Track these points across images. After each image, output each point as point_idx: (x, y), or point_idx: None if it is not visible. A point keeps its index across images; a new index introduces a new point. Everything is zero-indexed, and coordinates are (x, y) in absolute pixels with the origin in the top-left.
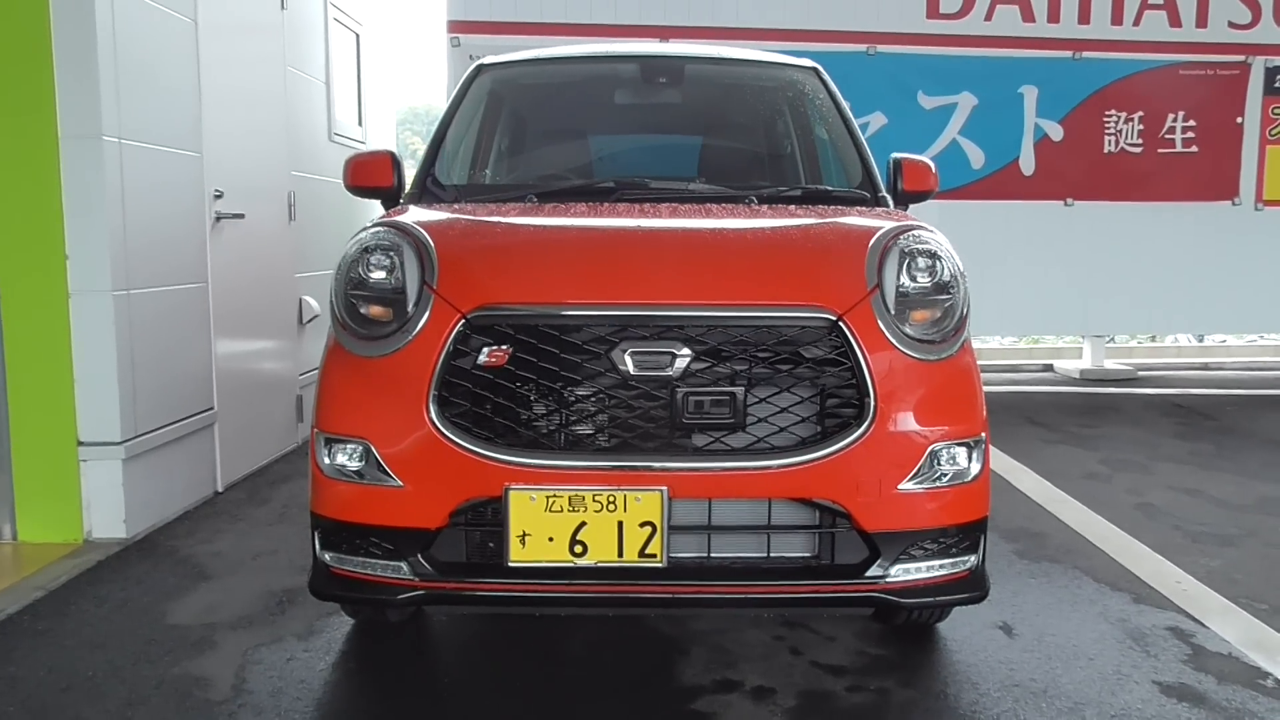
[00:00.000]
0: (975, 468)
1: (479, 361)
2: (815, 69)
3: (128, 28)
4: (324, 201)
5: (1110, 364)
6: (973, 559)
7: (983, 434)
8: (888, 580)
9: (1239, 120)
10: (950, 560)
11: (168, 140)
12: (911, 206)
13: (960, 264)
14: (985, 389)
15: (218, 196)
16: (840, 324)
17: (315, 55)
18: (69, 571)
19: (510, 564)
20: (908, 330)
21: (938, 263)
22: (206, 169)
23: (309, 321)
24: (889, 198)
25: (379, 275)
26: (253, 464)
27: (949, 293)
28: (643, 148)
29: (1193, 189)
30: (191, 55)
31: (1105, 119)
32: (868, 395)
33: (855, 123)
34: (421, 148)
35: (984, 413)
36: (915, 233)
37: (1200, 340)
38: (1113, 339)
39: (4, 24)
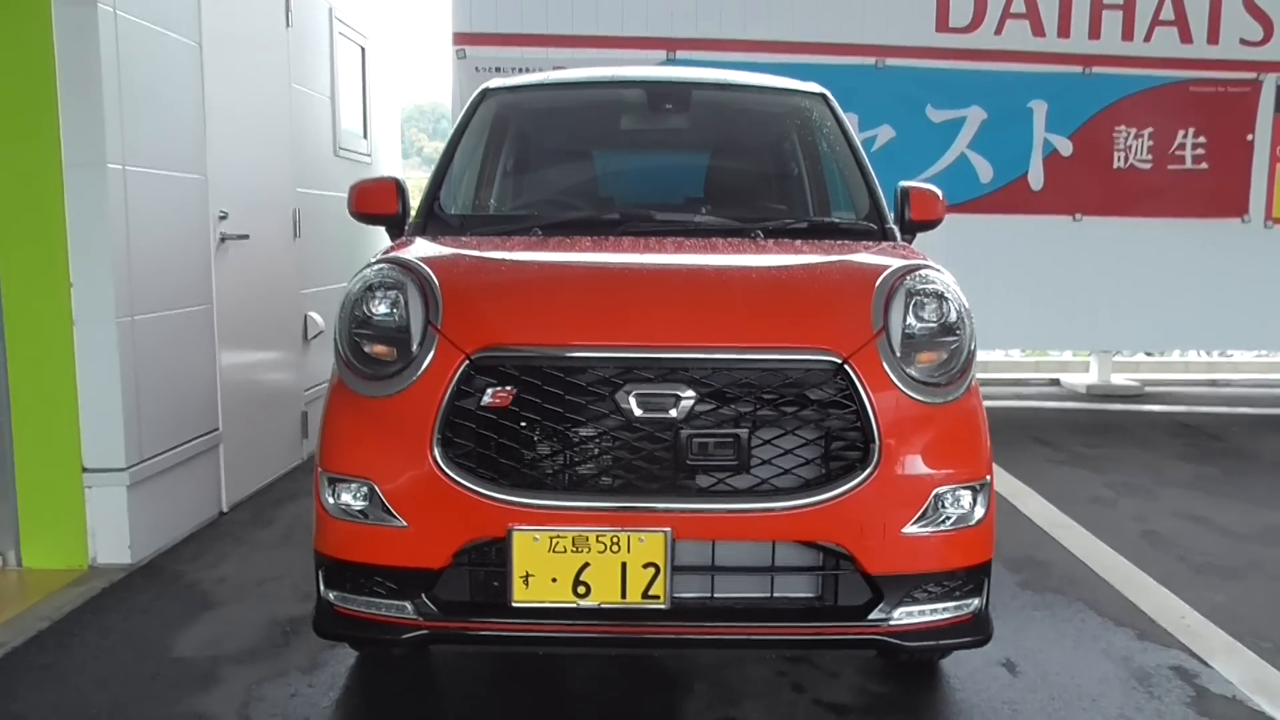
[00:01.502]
0: (979, 511)
1: (483, 402)
2: (823, 95)
3: (131, 53)
4: (329, 217)
5: (1117, 379)
6: (976, 602)
7: (988, 477)
8: (891, 623)
9: (1249, 138)
10: (954, 603)
11: (172, 164)
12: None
13: (967, 303)
14: (991, 404)
15: (222, 218)
16: (846, 367)
17: (320, 71)
18: (73, 600)
19: (514, 604)
20: (913, 373)
21: (944, 304)
22: (211, 191)
23: (314, 337)
24: (895, 229)
25: (383, 313)
26: (258, 482)
27: (955, 334)
28: (649, 176)
29: (1202, 206)
30: (195, 77)
31: (1115, 134)
32: (873, 439)
33: (862, 150)
34: (427, 145)
35: (989, 455)
36: (922, 272)
37: (1209, 354)
38: (1120, 353)
39: (8, 51)
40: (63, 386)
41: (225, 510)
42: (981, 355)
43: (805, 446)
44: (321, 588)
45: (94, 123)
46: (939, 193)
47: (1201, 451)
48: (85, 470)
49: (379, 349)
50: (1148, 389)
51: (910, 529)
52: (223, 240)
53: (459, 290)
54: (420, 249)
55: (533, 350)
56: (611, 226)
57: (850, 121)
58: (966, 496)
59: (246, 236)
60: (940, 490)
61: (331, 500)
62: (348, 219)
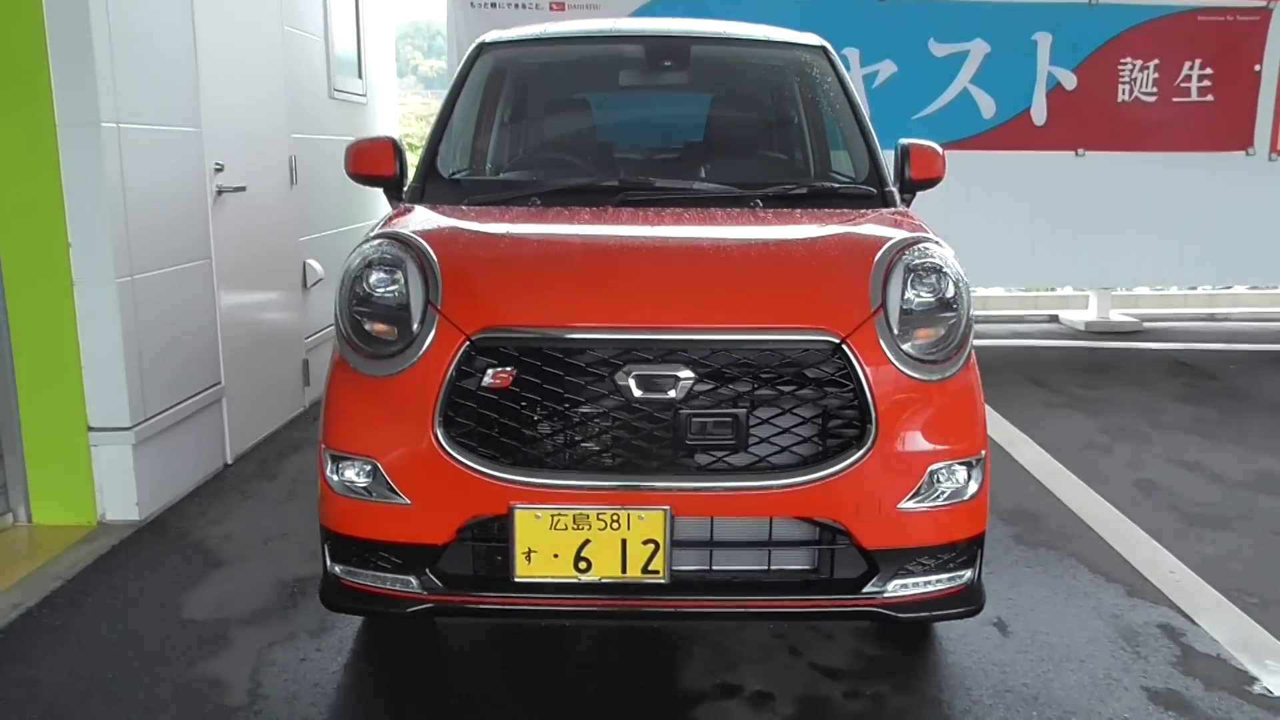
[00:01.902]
0: (974, 486)
1: (484, 383)
2: (824, 48)
3: (122, 8)
4: (326, 160)
5: (1116, 315)
6: (969, 573)
7: (982, 452)
8: (885, 595)
9: (1256, 69)
10: (947, 575)
11: (166, 118)
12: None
13: (965, 277)
14: (990, 343)
15: (218, 170)
16: (843, 347)
17: (313, 11)
18: (84, 559)
19: (516, 579)
20: (910, 350)
21: (942, 279)
22: (206, 143)
23: (314, 285)
24: (895, 192)
25: (382, 291)
26: (261, 432)
27: (953, 309)
28: (648, 134)
29: (1206, 139)
30: (187, 28)
31: (1120, 67)
32: (869, 417)
33: (863, 108)
34: (423, 63)
35: (984, 431)
36: (921, 246)
37: (1211, 287)
38: (1119, 288)
39: None
40: (65, 347)
41: (230, 462)
42: (981, 292)
43: (802, 425)
44: (327, 561)
45: (86, 80)
46: (939, 150)
47: (1199, 392)
48: (91, 429)
49: (379, 327)
50: (1146, 325)
51: (905, 504)
52: (219, 193)
53: (458, 269)
54: (419, 221)
55: (532, 332)
56: (611, 194)
57: (851, 57)
58: (961, 472)
59: (244, 188)
60: (935, 466)
61: (336, 477)
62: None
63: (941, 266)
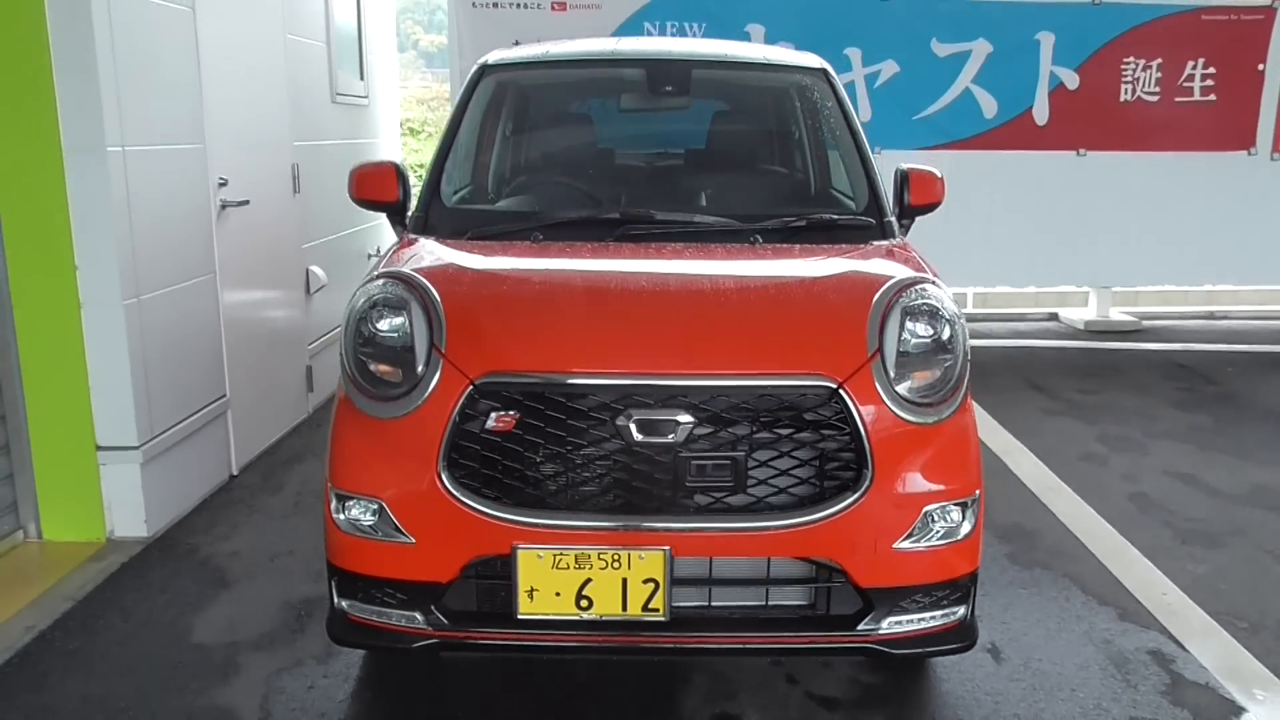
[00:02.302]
0: (967, 526)
1: (487, 426)
2: (824, 70)
3: (126, 30)
4: (328, 166)
5: (1116, 313)
6: (962, 610)
7: (976, 492)
8: (879, 632)
9: (1260, 68)
10: (941, 612)
11: (171, 137)
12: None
13: (962, 319)
14: (989, 343)
15: (222, 184)
16: (840, 391)
17: (315, 17)
18: (94, 578)
19: (519, 616)
20: (907, 394)
21: (940, 321)
22: (210, 158)
23: (316, 291)
24: (894, 222)
25: (386, 333)
26: (266, 441)
27: (949, 351)
28: (650, 157)
29: (1209, 139)
30: (190, 46)
31: (1123, 66)
32: (865, 460)
33: (863, 133)
34: (423, 38)
35: (979, 471)
36: (918, 288)
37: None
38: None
39: (3, 36)
40: (73, 368)
41: (235, 474)
42: (981, 290)
43: (800, 467)
44: (334, 596)
45: (91, 105)
46: (939, 174)
47: (1195, 397)
48: (99, 448)
49: (384, 368)
50: (1145, 324)
51: (901, 544)
52: (223, 207)
53: (462, 312)
54: (423, 257)
55: (535, 377)
56: (612, 227)
57: (853, 57)
58: (956, 512)
59: (247, 202)
60: (930, 507)
61: (342, 516)
62: (346, 168)
63: (939, 308)
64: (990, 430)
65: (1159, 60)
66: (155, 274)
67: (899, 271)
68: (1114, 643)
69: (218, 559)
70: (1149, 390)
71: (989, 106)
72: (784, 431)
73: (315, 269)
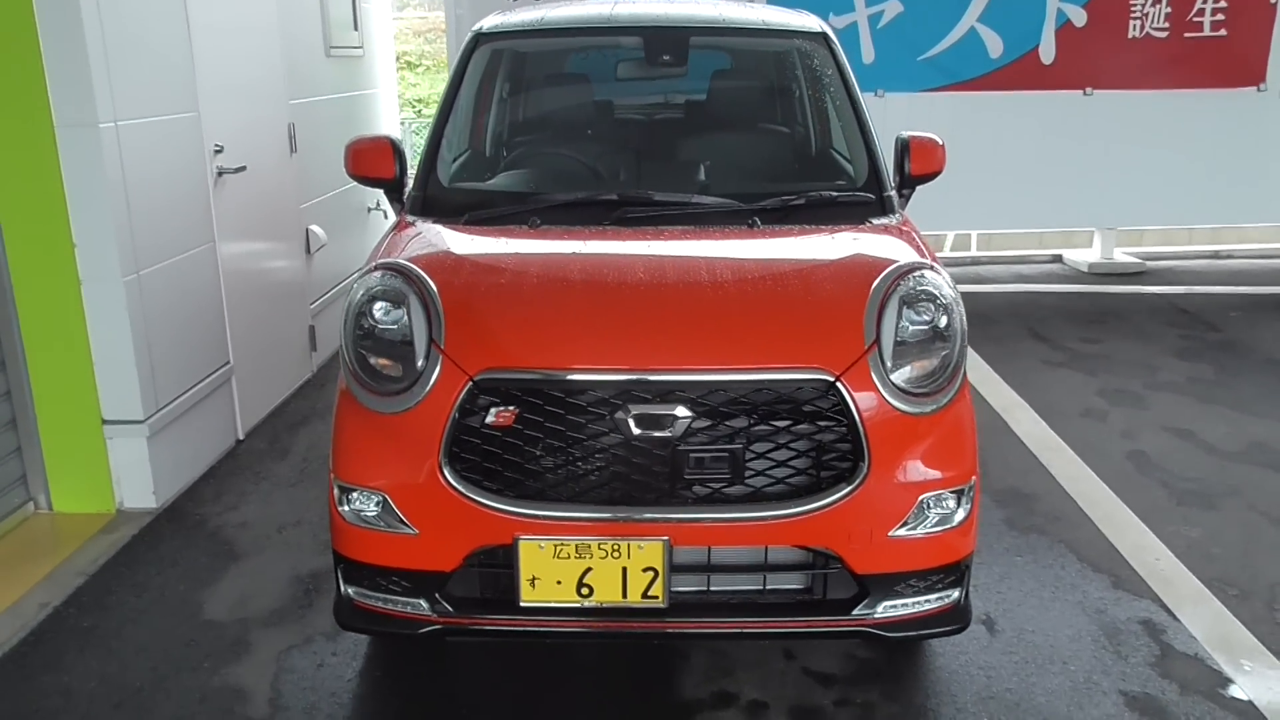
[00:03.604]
0: (962, 513)
1: (487, 420)
2: (824, 34)
3: (113, 3)
4: (325, 122)
5: (1120, 254)
6: (956, 593)
7: (973, 479)
8: (875, 616)
9: (1272, 1)
10: (935, 596)
11: (164, 108)
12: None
13: (960, 306)
14: (993, 288)
15: (218, 151)
16: (837, 384)
17: None
18: (106, 551)
19: (521, 604)
20: (903, 384)
21: (938, 309)
22: (205, 126)
23: (317, 250)
24: (894, 196)
25: (385, 326)
26: (271, 403)
27: (946, 340)
28: (648, 129)
29: (1218, 75)
30: (180, 13)
31: (1131, 2)
32: (862, 451)
33: (862, 101)
34: None
35: (974, 458)
36: (916, 275)
37: None
38: None
39: None
40: (76, 344)
41: (242, 438)
42: (987, 232)
43: (797, 458)
44: (341, 584)
45: (81, 82)
46: (940, 141)
47: (1197, 345)
48: (105, 423)
49: (383, 361)
50: (1150, 264)
51: (897, 532)
52: (220, 174)
53: (461, 306)
54: (420, 246)
55: (534, 373)
56: (610, 208)
57: None
58: (951, 500)
59: (244, 168)
60: (926, 496)
61: (346, 507)
62: (343, 122)
63: (936, 295)
64: (992, 385)
65: None
66: (154, 247)
67: (898, 256)
68: (1107, 612)
69: (226, 530)
70: (1151, 338)
71: (995, 46)
72: (781, 423)
73: (315, 228)
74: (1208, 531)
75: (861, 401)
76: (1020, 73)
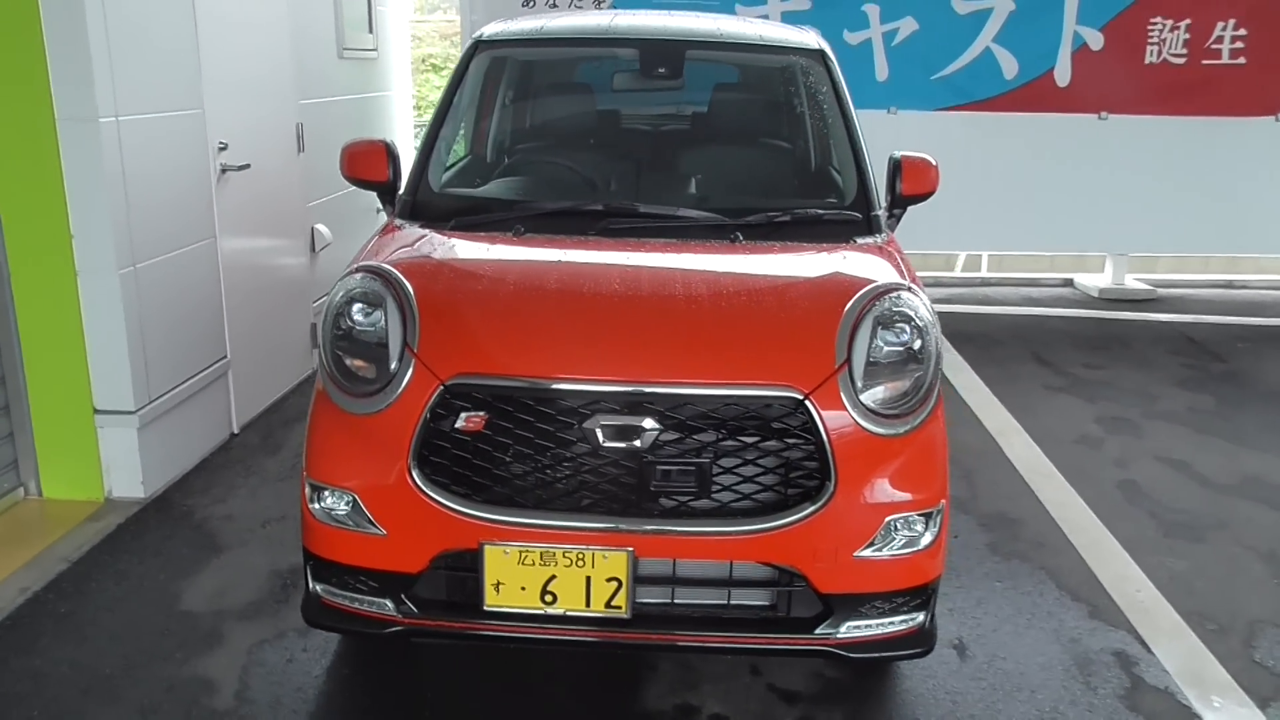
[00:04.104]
0: (929, 537)
1: (456, 425)
2: (821, 52)
3: (118, 1)
4: (335, 122)
5: (1132, 281)
6: (921, 616)
7: (942, 503)
8: (838, 636)
9: None
10: (900, 618)
11: (167, 105)
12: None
13: (936, 328)
14: (1001, 310)
15: (222, 149)
16: (806, 402)
17: None
18: (91, 539)
19: (486, 608)
20: (873, 405)
21: (912, 331)
22: (209, 123)
23: (322, 249)
24: (881, 216)
25: (362, 328)
26: (269, 398)
27: (919, 362)
28: (640, 141)
29: (1234, 103)
30: (188, 11)
31: (1150, 27)
32: (828, 470)
33: (855, 119)
34: None
35: (944, 481)
36: (892, 296)
37: None
38: None
39: None
40: (70, 334)
41: (236, 432)
42: (998, 253)
43: (764, 474)
44: (310, 581)
45: (82, 77)
46: (933, 162)
47: (1200, 375)
48: (97, 412)
49: (358, 363)
50: (1161, 292)
51: (862, 553)
52: (223, 171)
53: (436, 311)
54: (403, 250)
55: (504, 379)
56: (595, 218)
57: (871, 13)
58: (919, 523)
59: (247, 166)
60: (893, 518)
61: (317, 505)
62: (353, 122)
63: (912, 317)
64: (988, 408)
65: (1187, 20)
66: (152, 242)
67: (876, 276)
68: (1080, 642)
69: (211, 523)
70: (1155, 366)
71: (1010, 67)
72: (749, 439)
73: (320, 227)
74: (1193, 565)
75: (829, 420)
76: (1035, 94)
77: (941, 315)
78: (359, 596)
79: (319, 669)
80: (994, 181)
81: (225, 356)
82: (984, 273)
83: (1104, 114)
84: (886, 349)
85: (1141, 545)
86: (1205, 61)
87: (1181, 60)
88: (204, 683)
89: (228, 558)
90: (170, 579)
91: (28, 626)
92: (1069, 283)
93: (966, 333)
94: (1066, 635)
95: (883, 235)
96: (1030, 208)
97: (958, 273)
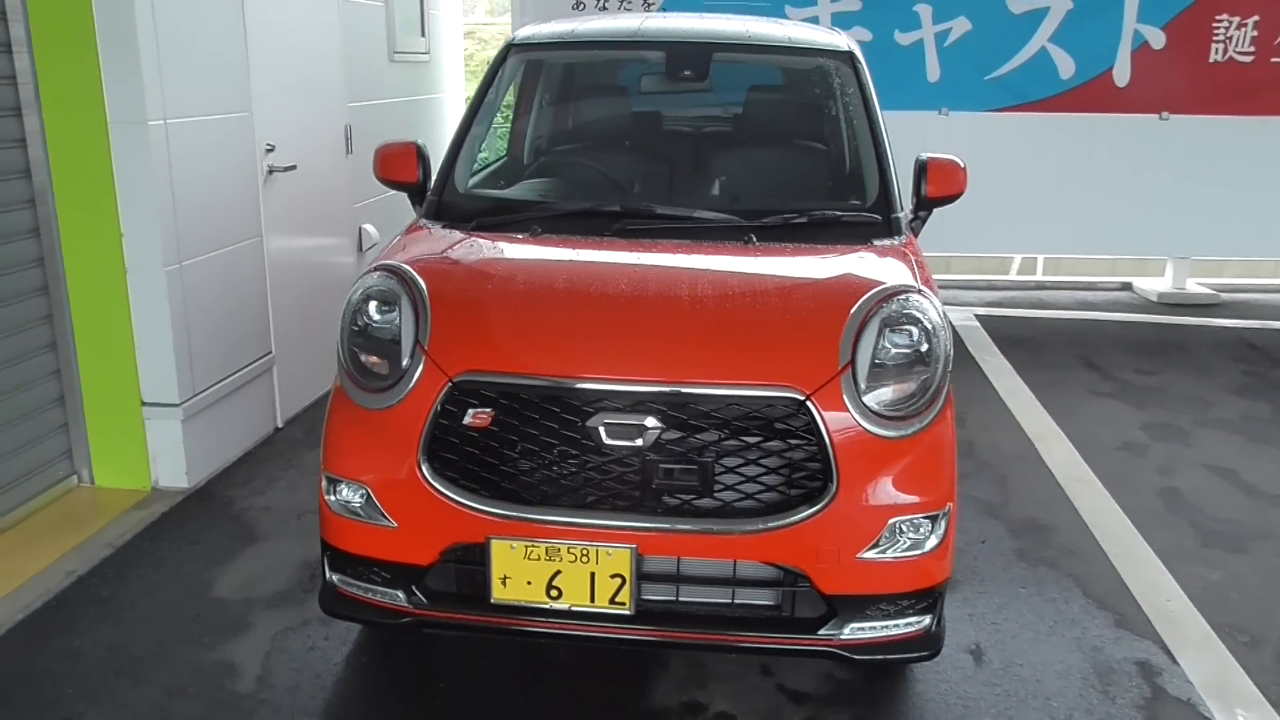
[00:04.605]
0: (934, 539)
1: (465, 421)
2: (850, 53)
3: (168, 6)
4: (386, 123)
5: (1193, 285)
6: (927, 619)
7: (948, 505)
8: (841, 637)
9: None
10: (904, 621)
11: (215, 108)
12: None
13: (946, 331)
14: (1054, 314)
15: (269, 150)
16: (808, 403)
17: None
18: (135, 526)
19: (493, 601)
20: (878, 407)
21: (920, 333)
22: (257, 125)
23: (369, 249)
24: (902, 218)
25: (377, 325)
26: (314, 393)
27: (926, 364)
28: (664, 144)
29: None
30: (237, 16)
31: (1215, 24)
32: (830, 471)
33: (881, 121)
34: None
35: (952, 484)
36: (900, 298)
37: None
38: None
39: (51, 16)
40: (120, 329)
41: (280, 426)
42: (1055, 256)
43: (767, 474)
44: (326, 571)
45: (133, 80)
46: (961, 163)
47: (1258, 382)
48: (144, 404)
49: (372, 359)
50: (1224, 297)
51: (865, 554)
52: (270, 172)
53: (448, 310)
54: (421, 250)
55: (511, 378)
56: (612, 220)
57: (923, 14)
58: (925, 525)
59: (294, 167)
60: (897, 520)
61: (333, 497)
62: (404, 125)
63: (920, 319)
64: (1029, 412)
65: (1255, 17)
66: (198, 240)
67: (887, 278)
68: (1103, 650)
69: (250, 514)
70: (1211, 372)
71: (1066, 66)
72: (752, 439)
73: (368, 227)
74: (1229, 575)
75: (831, 422)
76: (1093, 95)
77: (992, 319)
78: (372, 587)
79: (339, 656)
80: (1049, 183)
81: (270, 352)
82: (1039, 276)
83: (1165, 114)
84: (893, 351)
85: (1177, 554)
86: (1274, 59)
87: (1248, 58)
88: (228, 667)
89: (262, 548)
90: (205, 567)
91: (70, 608)
92: (1127, 287)
93: (1016, 336)
94: (1089, 643)
95: (901, 237)
96: (1087, 210)
97: (1013, 276)
